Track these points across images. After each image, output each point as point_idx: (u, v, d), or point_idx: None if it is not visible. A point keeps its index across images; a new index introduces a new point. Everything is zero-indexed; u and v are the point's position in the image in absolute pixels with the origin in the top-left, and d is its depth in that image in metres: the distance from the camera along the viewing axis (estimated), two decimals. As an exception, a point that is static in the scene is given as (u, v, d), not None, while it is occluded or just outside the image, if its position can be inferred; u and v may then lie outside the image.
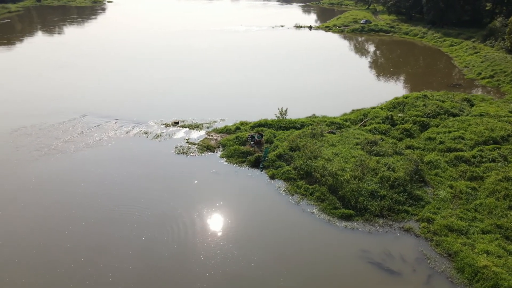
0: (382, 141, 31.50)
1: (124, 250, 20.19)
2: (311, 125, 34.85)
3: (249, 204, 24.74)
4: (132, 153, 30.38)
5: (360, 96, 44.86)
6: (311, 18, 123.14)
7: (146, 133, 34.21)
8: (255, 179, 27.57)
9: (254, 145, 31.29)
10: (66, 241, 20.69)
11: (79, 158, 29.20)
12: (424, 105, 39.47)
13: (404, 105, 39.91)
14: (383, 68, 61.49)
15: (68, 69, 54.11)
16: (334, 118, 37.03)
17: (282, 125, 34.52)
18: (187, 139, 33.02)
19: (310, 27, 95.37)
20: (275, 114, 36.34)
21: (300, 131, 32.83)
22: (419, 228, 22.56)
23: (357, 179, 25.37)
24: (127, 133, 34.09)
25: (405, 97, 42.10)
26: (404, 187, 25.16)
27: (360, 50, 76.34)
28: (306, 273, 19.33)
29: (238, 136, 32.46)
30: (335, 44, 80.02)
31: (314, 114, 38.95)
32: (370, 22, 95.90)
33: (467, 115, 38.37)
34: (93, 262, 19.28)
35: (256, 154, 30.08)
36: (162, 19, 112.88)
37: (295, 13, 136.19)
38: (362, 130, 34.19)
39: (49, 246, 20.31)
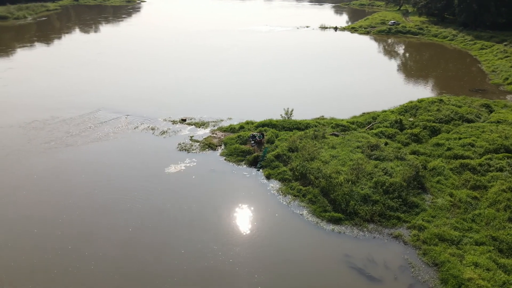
0: (386, 145, 30.79)
1: (109, 240, 20.88)
2: (315, 126, 34.60)
3: (239, 202, 24.88)
4: (135, 148, 31.27)
5: (375, 99, 43.92)
6: (340, 19, 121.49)
7: (153, 129, 35.10)
8: (250, 178, 27.69)
9: (255, 144, 31.40)
10: (58, 229, 21.63)
11: (84, 151, 30.38)
12: (438, 110, 38.16)
13: (417, 109, 38.76)
14: (405, 71, 59.87)
15: (92, 66, 56.31)
16: (342, 120, 36.52)
17: (286, 125, 34.43)
18: (191, 137, 33.59)
19: (335, 28, 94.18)
20: (281, 115, 36.28)
21: (303, 132, 32.64)
22: (409, 235, 21.92)
23: (350, 182, 24.95)
24: (135, 128, 35.12)
25: (420, 101, 40.85)
26: (399, 193, 24.49)
27: (384, 53, 74.55)
28: (282, 272, 19.28)
29: (240, 135, 32.69)
30: (359, 46, 78.61)
31: (323, 116, 38.60)
32: (398, 24, 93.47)
33: (483, 121, 36.77)
34: (79, 250, 20.08)
35: (255, 154, 30.18)
36: (191, 18, 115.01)
37: (325, 14, 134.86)
38: (367, 133, 33.53)
39: (41, 233, 21.32)
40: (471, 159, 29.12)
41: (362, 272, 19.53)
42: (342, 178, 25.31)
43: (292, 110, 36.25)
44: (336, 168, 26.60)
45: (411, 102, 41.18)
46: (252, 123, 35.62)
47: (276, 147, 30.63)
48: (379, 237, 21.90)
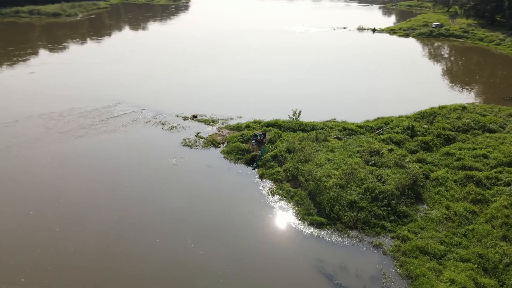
0: (391, 151, 29.68)
1: (94, 225, 21.97)
2: (322, 129, 34.10)
3: (226, 198, 25.15)
4: (140, 141, 32.50)
5: (398, 104, 42.33)
6: (383, 20, 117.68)
7: (163, 123, 36.26)
8: (244, 177, 27.88)
9: (255, 143, 31.53)
10: (52, 211, 23.07)
11: (93, 141, 32.01)
12: (458, 117, 36.15)
13: (435, 116, 36.95)
14: (439, 76, 56.96)
15: (124, 62, 58.96)
16: (351, 124, 35.65)
17: (291, 126, 34.20)
18: (198, 133, 34.33)
19: (373, 30, 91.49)
20: (289, 115, 36.07)
21: (306, 133, 32.28)
22: (390, 245, 21.12)
23: (338, 187, 24.40)
24: (146, 122, 36.48)
25: (441, 107, 38.84)
26: (388, 201, 23.60)
27: (420, 56, 71.29)
28: (248, 269, 19.33)
29: (243, 134, 32.96)
30: (395, 49, 75.73)
31: (334, 119, 37.91)
32: (442, 26, 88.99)
33: (507, 132, 34.32)
34: (64, 232, 21.33)
35: (254, 153, 30.32)
36: (233, 18, 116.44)
37: (368, 15, 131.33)
38: (375, 138, 32.52)
39: (36, 214, 22.84)
40: (480, 171, 27.37)
41: (330, 278, 19.11)
42: (331, 182, 24.82)
43: (300, 111, 35.92)
44: (329, 171, 26.10)
45: (432, 108, 39.27)
46: (259, 122, 35.75)
47: (276, 147, 30.57)
48: (358, 245, 21.28)
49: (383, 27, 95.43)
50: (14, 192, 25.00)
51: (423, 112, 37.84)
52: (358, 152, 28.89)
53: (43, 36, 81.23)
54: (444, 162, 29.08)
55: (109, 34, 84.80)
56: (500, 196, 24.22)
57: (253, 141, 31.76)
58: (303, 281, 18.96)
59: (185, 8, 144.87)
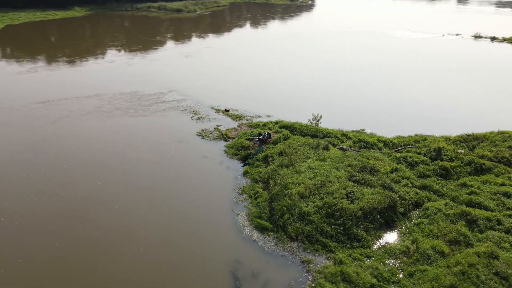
0: (393, 172, 26.79)
1: (73, 188, 25.57)
2: (336, 137, 32.43)
3: (196, 187, 26.36)
4: (163, 126, 35.62)
5: (464, 123, 36.89)
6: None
7: (195, 113, 38.90)
8: (229, 171, 28.62)
9: (258, 142, 31.78)
10: (49, 176, 27.04)
11: (117, 121, 36.11)
12: (510, 146, 30.19)
13: (481, 141, 31.53)
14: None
15: (196, 58, 63.93)
16: (374, 137, 32.94)
17: (304, 130, 33.28)
18: (218, 126, 35.99)
19: (492, 39, 79.28)
20: (308, 119, 35.04)
21: (312, 140, 31.13)
22: (318, 265, 19.70)
23: (298, 196, 23.40)
24: (182, 110, 39.61)
25: (500, 133, 32.82)
26: (344, 221, 21.75)
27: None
28: (167, 250, 20.40)
29: (253, 132, 33.45)
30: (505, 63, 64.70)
31: (363, 129, 35.46)
32: None
33: None
34: (49, 196, 25.31)
35: (250, 151, 30.71)
36: (346, 19, 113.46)
37: (500, 20, 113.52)
38: (388, 155, 29.61)
39: (33, 178, 26.58)
40: (488, 210, 22.89)
41: (238, 282, 18.94)
42: (295, 190, 23.93)
43: (320, 117, 34.60)
44: (302, 179, 25.10)
45: (491, 132, 33.38)
46: (277, 123, 35.66)
47: (274, 148, 30.37)
48: (287, 257, 20.38)
49: (507, 35, 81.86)
50: (29, 158, 29.99)
51: (469, 135, 32.53)
52: (349, 165, 26.86)
53: (169, 29, 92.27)
54: (452, 193, 25.01)
55: (221, 31, 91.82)
56: (486, 242, 20.09)
57: (257, 139, 32.07)
58: (208, 275, 19.23)
59: (309, 7, 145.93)
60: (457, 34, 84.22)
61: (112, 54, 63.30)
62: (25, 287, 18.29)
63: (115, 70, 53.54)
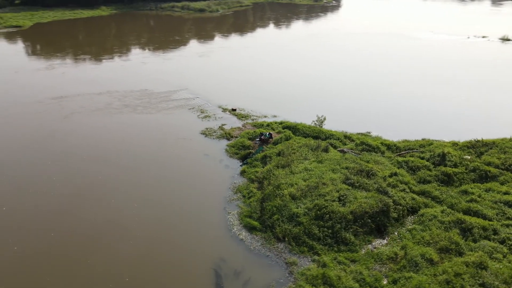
0: (392, 176, 26.24)
1: (71, 186, 26.51)
2: (338, 139, 32.03)
3: (192, 183, 26.80)
4: (169, 123, 36.22)
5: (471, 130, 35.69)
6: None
7: (202, 112, 39.31)
8: (227, 170, 28.80)
9: (259, 142, 31.79)
10: (53, 168, 28.08)
11: (125, 118, 36.97)
12: (520, 154, 28.96)
13: (490, 148, 30.36)
14: None
15: (209, 57, 64.39)
16: (378, 140, 32.34)
17: (307, 132, 33.02)
18: (222, 125, 36.23)
19: (520, 42, 75.95)
20: (312, 121, 34.73)
21: (313, 141, 30.85)
22: (302, 267, 19.56)
23: (289, 197, 23.28)
24: (189, 109, 40.13)
25: (510, 139, 31.52)
26: (333, 224, 21.49)
27: None
28: (153, 244, 20.78)
29: (256, 132, 33.48)
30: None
31: (369, 132, 34.86)
32: None
33: None
34: (48, 186, 26.33)
35: (250, 150, 30.77)
36: (374, 20, 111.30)
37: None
38: (389, 159, 29.02)
39: (37, 170, 27.80)
40: (486, 219, 22.06)
41: (218, 278, 19.07)
42: (287, 191, 23.83)
43: (324, 118, 34.23)
44: (296, 180, 24.95)
45: (503, 139, 32.09)
46: (282, 123, 35.55)
47: (274, 148, 30.31)
48: (272, 257, 20.35)
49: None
50: (36, 143, 31.51)
51: (478, 141, 31.37)
52: (346, 168, 26.46)
53: (190, 29, 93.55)
54: (451, 200, 24.24)
55: (242, 31, 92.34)
56: (477, 252, 19.37)
57: (258, 139, 32.09)
58: (191, 271, 19.50)
59: (333, 8, 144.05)
60: (483, 37, 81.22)
61: (129, 53, 64.77)
62: (19, 272, 19.11)
63: (129, 68, 54.75)
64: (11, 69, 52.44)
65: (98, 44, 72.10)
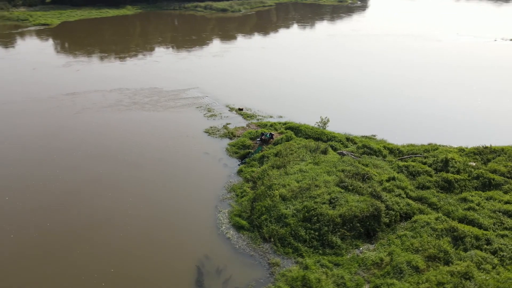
0: (390, 181, 25.72)
1: (72, 180, 27.37)
2: (340, 141, 31.63)
3: (188, 180, 27.24)
4: (174, 121, 36.75)
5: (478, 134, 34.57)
6: None
7: (209, 110, 39.71)
8: (226, 169, 28.98)
9: (259, 142, 31.82)
10: (57, 162, 29.14)
11: (131, 115, 37.79)
12: (529, 162, 27.74)
13: (498, 155, 29.22)
14: None
15: (222, 57, 64.74)
16: (380, 143, 31.73)
17: (308, 133, 32.74)
18: (226, 124, 36.47)
19: (550, 45, 72.37)
20: (316, 122, 34.42)
21: (313, 143, 30.60)
22: (283, 269, 19.48)
23: (280, 197, 23.21)
24: (197, 107, 40.61)
25: (521, 147, 30.24)
26: (320, 226, 21.29)
27: None
28: (141, 238, 21.21)
29: (258, 132, 33.52)
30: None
31: (374, 135, 34.24)
32: None
33: None
34: (50, 180, 27.34)
35: (249, 150, 30.85)
36: (400, 21, 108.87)
37: None
38: (390, 163, 28.43)
39: (43, 163, 28.85)
40: (481, 228, 21.29)
41: (200, 275, 19.28)
42: (278, 191, 23.78)
43: (328, 120, 33.86)
44: (289, 181, 24.85)
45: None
46: (286, 124, 35.43)
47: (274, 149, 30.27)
48: (255, 257, 20.40)
49: None
50: (42, 139, 32.66)
51: (486, 148, 30.23)
52: (342, 171, 26.11)
53: (213, 28, 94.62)
54: (448, 207, 23.50)
55: (264, 31, 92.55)
56: (465, 262, 18.72)
57: (258, 139, 32.12)
58: (175, 267, 19.80)
59: (358, 8, 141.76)
60: (511, 39, 78.04)
61: (149, 52, 66.05)
62: (14, 258, 19.98)
63: (142, 66, 55.76)
64: (30, 65, 54.57)
65: (121, 43, 73.82)
